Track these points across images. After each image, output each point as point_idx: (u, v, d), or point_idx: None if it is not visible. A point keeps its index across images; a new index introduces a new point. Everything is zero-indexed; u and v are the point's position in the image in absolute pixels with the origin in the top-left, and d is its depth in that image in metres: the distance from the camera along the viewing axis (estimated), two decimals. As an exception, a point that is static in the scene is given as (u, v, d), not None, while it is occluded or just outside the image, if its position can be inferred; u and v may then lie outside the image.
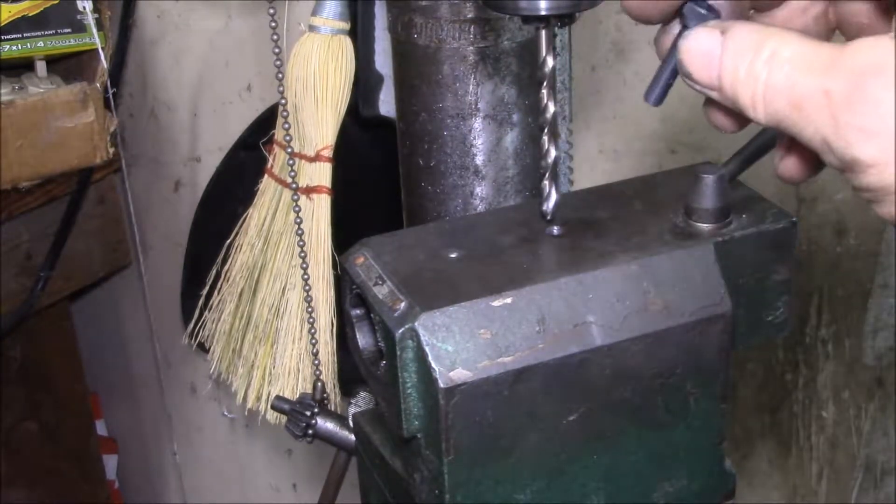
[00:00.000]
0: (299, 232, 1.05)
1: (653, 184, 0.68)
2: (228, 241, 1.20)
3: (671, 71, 0.55)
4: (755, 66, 0.47)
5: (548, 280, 0.58)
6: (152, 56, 1.78)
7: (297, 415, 0.97)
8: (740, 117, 0.53)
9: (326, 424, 0.97)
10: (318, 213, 1.08)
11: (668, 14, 0.54)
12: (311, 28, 1.06)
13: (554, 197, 0.63)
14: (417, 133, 0.88)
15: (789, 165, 0.55)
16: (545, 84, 0.63)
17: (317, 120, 1.07)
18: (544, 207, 0.64)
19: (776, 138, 0.57)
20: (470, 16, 0.83)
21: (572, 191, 0.96)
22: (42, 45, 1.58)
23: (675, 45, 0.54)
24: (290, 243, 1.11)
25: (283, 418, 1.00)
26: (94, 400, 2.16)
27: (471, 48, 0.84)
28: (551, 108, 0.63)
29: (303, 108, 1.07)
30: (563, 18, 0.62)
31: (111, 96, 1.63)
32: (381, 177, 1.10)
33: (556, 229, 0.63)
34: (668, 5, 0.54)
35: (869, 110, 0.42)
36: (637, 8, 0.54)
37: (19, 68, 1.64)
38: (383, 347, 0.58)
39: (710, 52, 0.50)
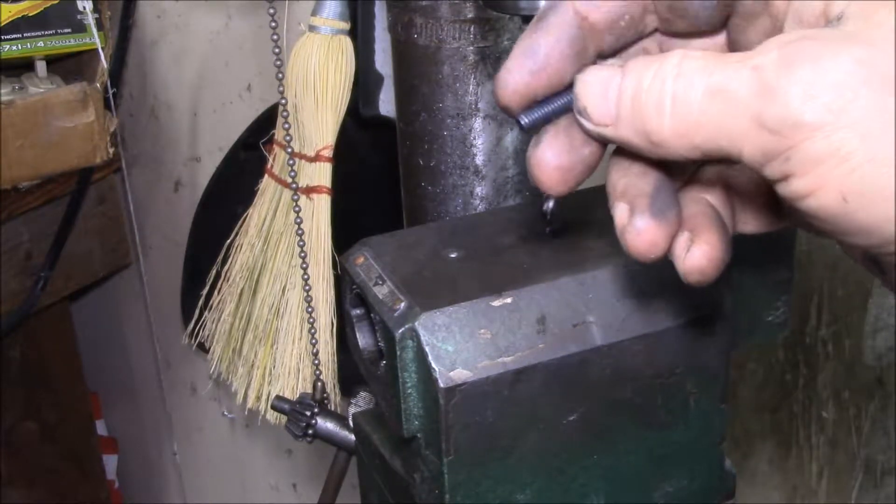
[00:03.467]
0: (299, 232, 1.05)
1: (653, 184, 0.68)
2: (228, 241, 1.20)
3: (558, 106, 0.48)
4: (662, 71, 0.41)
5: (548, 280, 0.58)
6: (152, 56, 1.78)
7: (297, 415, 0.97)
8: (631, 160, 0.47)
9: (326, 424, 0.97)
10: (318, 213, 1.08)
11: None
12: (311, 28, 1.06)
13: (554, 197, 0.63)
14: (417, 133, 0.88)
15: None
16: (545, 84, 0.63)
17: (317, 120, 1.07)
18: (544, 207, 0.64)
19: None
20: (470, 16, 0.83)
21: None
22: (42, 45, 1.58)
23: (569, 85, 0.48)
24: (290, 243, 1.11)
25: (283, 418, 1.00)
26: (94, 400, 2.16)
27: (471, 48, 0.84)
28: (551, 108, 0.63)
29: (303, 108, 1.07)
30: (563, 18, 0.61)
31: (111, 96, 1.63)
32: (381, 177, 1.10)
33: (556, 229, 0.63)
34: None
35: (811, 68, 0.37)
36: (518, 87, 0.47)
37: (19, 68, 1.64)
38: (383, 347, 0.58)
39: (608, 79, 0.44)
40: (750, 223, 0.52)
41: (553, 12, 0.46)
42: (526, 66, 0.46)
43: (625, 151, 0.47)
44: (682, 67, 0.41)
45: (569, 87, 0.47)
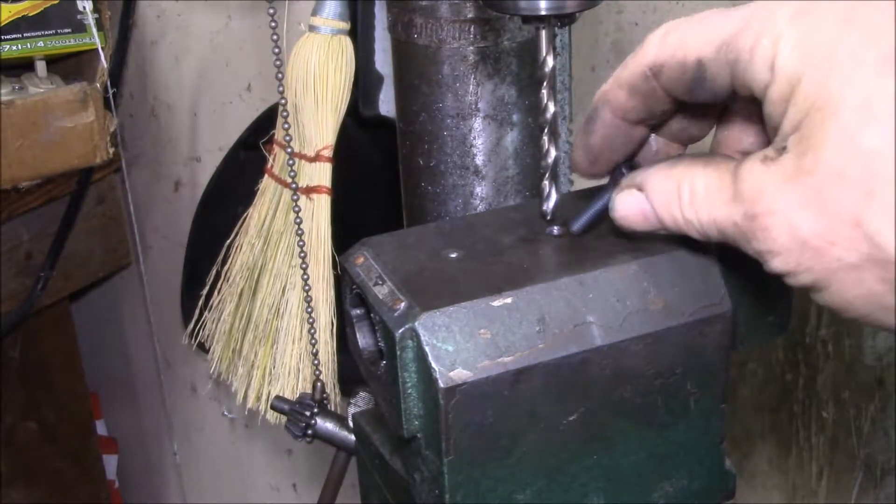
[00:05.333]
0: (299, 232, 1.05)
1: (653, 184, 0.68)
2: (228, 241, 1.20)
3: (600, 208, 0.61)
4: (685, 213, 0.54)
5: (548, 280, 0.58)
6: (152, 56, 1.78)
7: (297, 415, 0.97)
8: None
9: (326, 424, 0.97)
10: (318, 213, 1.08)
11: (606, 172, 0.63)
12: (311, 28, 1.06)
13: (554, 197, 0.63)
14: (417, 133, 0.88)
15: None
16: (545, 84, 0.63)
17: (317, 120, 1.07)
18: (544, 207, 0.64)
19: None
20: (470, 16, 0.83)
21: (572, 191, 0.96)
22: (42, 45, 1.58)
23: (604, 187, 0.62)
24: (290, 243, 1.11)
25: (283, 418, 1.00)
26: (94, 400, 2.16)
27: (471, 48, 0.84)
28: (551, 108, 0.63)
29: (303, 108, 1.07)
30: (563, 18, 0.62)
31: (111, 96, 1.63)
32: (381, 177, 1.10)
33: (556, 229, 0.63)
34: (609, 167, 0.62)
35: (764, 236, 0.50)
36: (585, 168, 0.62)
37: (19, 68, 1.64)
38: (383, 347, 0.58)
39: (642, 210, 0.57)
40: None
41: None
42: (586, 159, 0.61)
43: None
44: (697, 212, 0.54)
45: (604, 188, 0.61)
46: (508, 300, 0.57)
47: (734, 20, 0.51)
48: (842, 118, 0.46)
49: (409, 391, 0.57)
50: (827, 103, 0.47)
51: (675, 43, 0.54)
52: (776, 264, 0.50)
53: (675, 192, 0.55)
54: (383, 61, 1.12)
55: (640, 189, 0.57)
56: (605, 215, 0.61)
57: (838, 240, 0.48)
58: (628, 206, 0.58)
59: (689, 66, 0.53)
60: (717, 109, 0.61)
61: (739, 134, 0.61)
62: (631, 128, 0.59)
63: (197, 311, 1.24)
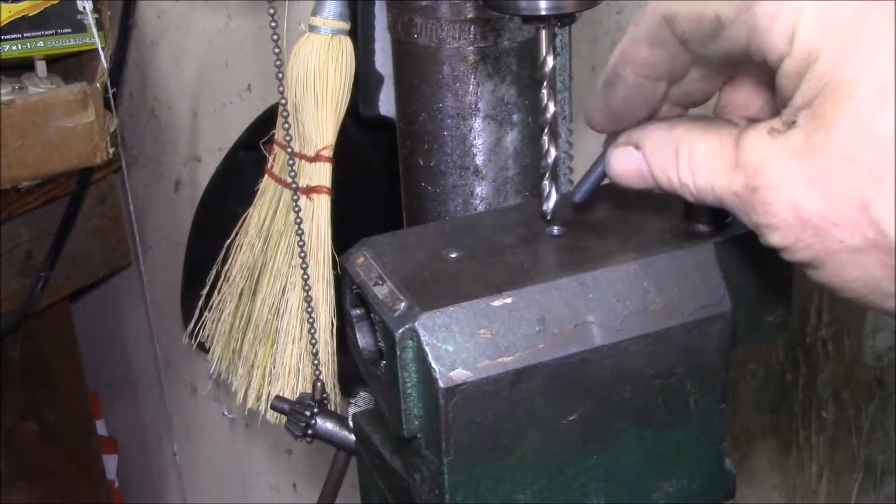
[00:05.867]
0: (299, 232, 1.05)
1: (653, 184, 0.68)
2: (228, 241, 1.20)
3: (599, 174, 0.61)
4: (682, 176, 0.54)
5: (548, 280, 0.58)
6: (152, 56, 1.78)
7: (297, 415, 0.97)
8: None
9: (326, 424, 0.97)
10: (318, 213, 1.08)
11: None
12: (311, 28, 1.06)
13: (554, 197, 0.63)
14: (417, 133, 0.88)
15: None
16: (545, 84, 0.63)
17: (317, 120, 1.07)
18: (544, 207, 0.64)
19: None
20: (470, 16, 0.83)
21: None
22: (42, 45, 1.58)
23: (601, 156, 0.60)
24: (290, 243, 1.11)
25: (283, 418, 1.00)
26: (94, 400, 2.16)
27: (471, 48, 0.84)
28: (551, 108, 0.63)
29: (303, 108, 1.07)
30: (563, 18, 0.62)
31: (111, 96, 1.63)
32: (381, 177, 1.10)
33: (556, 229, 0.63)
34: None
35: (764, 210, 0.50)
36: (603, 127, 0.61)
37: (19, 68, 1.64)
38: (383, 347, 0.58)
39: (638, 169, 0.57)
40: None
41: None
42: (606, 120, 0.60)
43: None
44: (694, 175, 0.54)
45: (602, 156, 0.60)
46: (508, 300, 0.57)
47: None
48: (857, 101, 0.46)
49: (409, 391, 0.57)
50: (843, 84, 0.46)
51: None
52: (774, 239, 0.50)
53: (672, 154, 0.55)
54: (383, 61, 1.12)
55: (636, 147, 0.57)
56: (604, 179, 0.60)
57: (842, 221, 0.47)
58: (623, 163, 0.58)
59: (707, 20, 0.52)
60: (724, 73, 0.60)
61: (746, 100, 0.60)
62: (654, 85, 0.58)
63: (197, 311, 1.24)
